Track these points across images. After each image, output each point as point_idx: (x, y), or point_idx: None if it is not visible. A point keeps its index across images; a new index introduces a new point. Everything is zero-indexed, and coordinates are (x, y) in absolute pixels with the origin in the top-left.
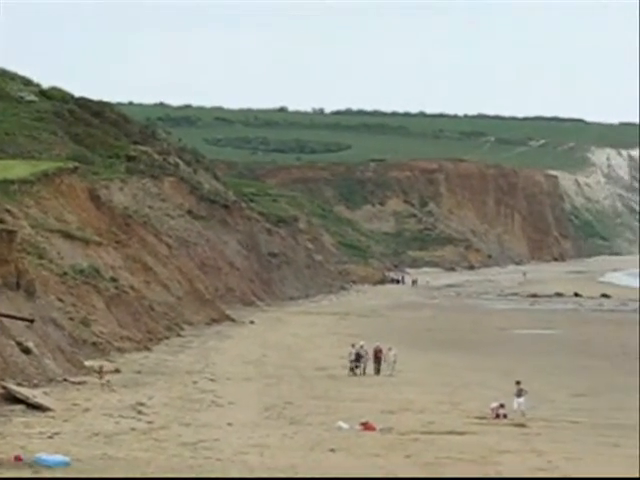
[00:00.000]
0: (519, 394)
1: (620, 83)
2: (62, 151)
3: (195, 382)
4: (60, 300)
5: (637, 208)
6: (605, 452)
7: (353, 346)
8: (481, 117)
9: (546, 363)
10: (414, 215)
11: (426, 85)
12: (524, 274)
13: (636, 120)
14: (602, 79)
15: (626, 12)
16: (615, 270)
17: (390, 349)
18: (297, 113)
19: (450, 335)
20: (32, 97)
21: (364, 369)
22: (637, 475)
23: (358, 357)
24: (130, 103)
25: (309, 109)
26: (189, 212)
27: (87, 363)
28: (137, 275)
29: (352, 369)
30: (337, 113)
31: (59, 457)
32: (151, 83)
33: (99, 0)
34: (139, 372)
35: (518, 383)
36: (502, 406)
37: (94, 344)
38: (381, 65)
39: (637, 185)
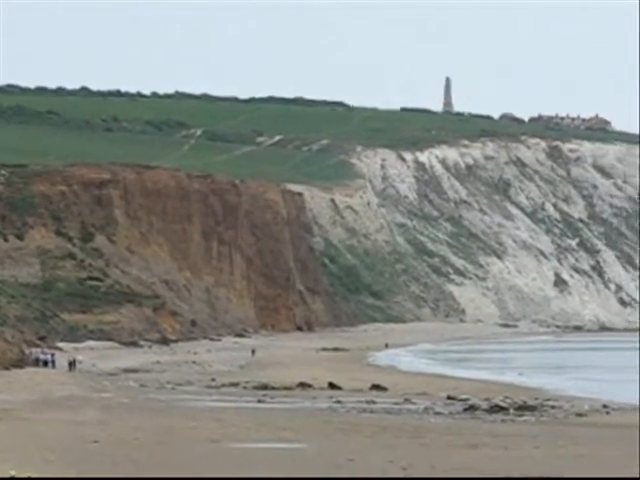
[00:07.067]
0: None
1: None
2: None
3: None
4: None
5: (429, 245)
6: None
7: None
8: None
9: None
10: (72, 255)
11: None
12: (252, 352)
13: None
14: None
15: None
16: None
17: None
18: None
19: (130, 451)
20: None
21: None
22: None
23: None
24: None
25: None
26: None
27: None
28: None
29: None
30: None
31: None
32: None
33: None
34: None
35: None
36: None
37: None
38: None
39: (428, 208)
